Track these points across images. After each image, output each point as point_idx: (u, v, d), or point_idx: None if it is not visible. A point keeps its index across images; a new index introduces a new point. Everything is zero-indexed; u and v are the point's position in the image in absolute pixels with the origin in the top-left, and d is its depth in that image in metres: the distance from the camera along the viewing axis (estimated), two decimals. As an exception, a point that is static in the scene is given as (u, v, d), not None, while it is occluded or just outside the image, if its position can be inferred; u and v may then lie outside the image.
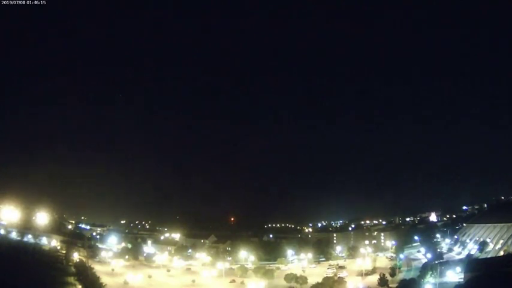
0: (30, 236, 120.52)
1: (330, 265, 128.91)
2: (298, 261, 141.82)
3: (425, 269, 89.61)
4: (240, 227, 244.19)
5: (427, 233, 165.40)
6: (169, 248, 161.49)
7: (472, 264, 77.92)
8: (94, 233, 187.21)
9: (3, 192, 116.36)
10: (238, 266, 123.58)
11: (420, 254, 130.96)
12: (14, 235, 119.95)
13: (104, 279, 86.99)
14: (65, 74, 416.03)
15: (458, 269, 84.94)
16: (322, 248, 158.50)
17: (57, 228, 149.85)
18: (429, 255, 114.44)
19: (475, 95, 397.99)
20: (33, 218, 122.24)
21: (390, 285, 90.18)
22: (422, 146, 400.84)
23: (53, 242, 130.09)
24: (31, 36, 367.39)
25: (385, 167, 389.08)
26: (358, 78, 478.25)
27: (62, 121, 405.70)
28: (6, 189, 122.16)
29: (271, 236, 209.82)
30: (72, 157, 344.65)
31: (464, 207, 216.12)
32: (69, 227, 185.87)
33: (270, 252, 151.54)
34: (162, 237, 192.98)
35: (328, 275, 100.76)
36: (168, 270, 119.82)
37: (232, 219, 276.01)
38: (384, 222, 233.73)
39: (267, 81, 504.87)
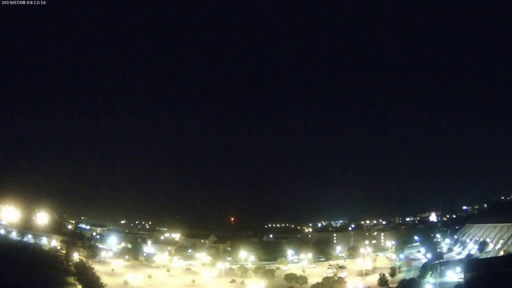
0: (30, 236, 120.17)
1: (330, 265, 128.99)
2: (298, 261, 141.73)
3: (425, 269, 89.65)
4: (240, 227, 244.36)
5: (427, 233, 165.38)
6: (169, 248, 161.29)
7: (472, 264, 77.68)
8: (94, 233, 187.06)
9: (3, 192, 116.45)
10: (238, 266, 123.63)
11: (420, 254, 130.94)
12: (14, 235, 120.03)
13: (104, 279, 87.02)
14: (64, 74, 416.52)
15: (458, 269, 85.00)
16: (322, 248, 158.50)
17: (57, 228, 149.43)
18: (429, 255, 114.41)
19: (476, 95, 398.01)
20: (33, 218, 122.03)
21: (390, 285, 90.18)
22: (423, 146, 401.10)
23: (53, 242, 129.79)
24: (31, 36, 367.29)
25: (385, 167, 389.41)
26: (357, 78, 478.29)
27: (62, 122, 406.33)
28: (6, 189, 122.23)
29: (271, 236, 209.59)
30: (73, 157, 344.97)
31: (464, 207, 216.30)
32: (69, 227, 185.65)
33: (270, 252, 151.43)
34: (162, 237, 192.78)
35: (328, 275, 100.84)
36: (168, 270, 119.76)
37: (232, 219, 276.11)
38: (383, 222, 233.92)
39: (268, 84, 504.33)
